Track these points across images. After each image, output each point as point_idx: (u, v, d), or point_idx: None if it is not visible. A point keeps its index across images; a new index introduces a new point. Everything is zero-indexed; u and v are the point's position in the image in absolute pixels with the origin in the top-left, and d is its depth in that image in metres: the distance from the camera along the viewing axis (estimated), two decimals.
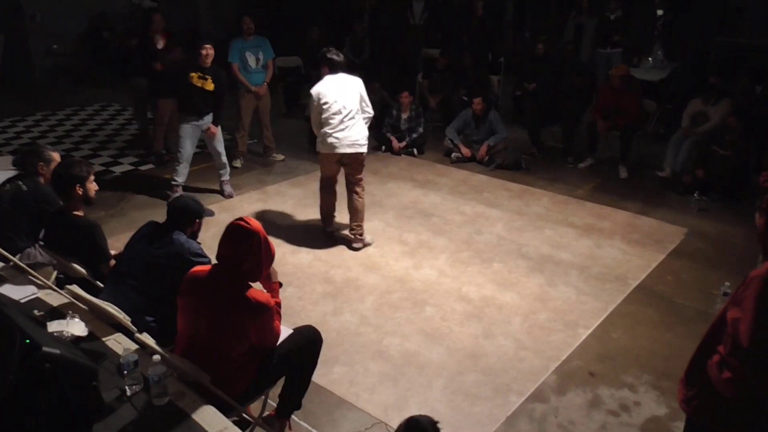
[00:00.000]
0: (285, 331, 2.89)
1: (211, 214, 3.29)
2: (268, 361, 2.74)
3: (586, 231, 5.55)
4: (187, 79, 5.66)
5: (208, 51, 5.66)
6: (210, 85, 5.71)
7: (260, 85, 6.88)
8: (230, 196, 6.16)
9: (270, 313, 2.63)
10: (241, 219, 2.64)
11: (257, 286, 2.72)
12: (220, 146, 6.02)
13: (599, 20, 8.94)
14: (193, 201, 3.30)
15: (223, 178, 6.22)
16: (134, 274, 3.09)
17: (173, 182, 5.97)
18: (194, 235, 3.26)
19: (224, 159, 6.11)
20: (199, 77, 5.67)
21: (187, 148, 5.84)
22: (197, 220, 3.26)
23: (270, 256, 2.69)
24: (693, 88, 7.13)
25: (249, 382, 2.71)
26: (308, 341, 2.94)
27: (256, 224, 2.63)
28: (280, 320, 2.79)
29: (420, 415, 2.16)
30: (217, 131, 5.92)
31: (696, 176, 6.27)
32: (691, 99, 6.79)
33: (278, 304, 2.81)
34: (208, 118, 5.83)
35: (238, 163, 6.97)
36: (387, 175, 6.88)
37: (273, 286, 2.88)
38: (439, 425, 2.14)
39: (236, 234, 2.59)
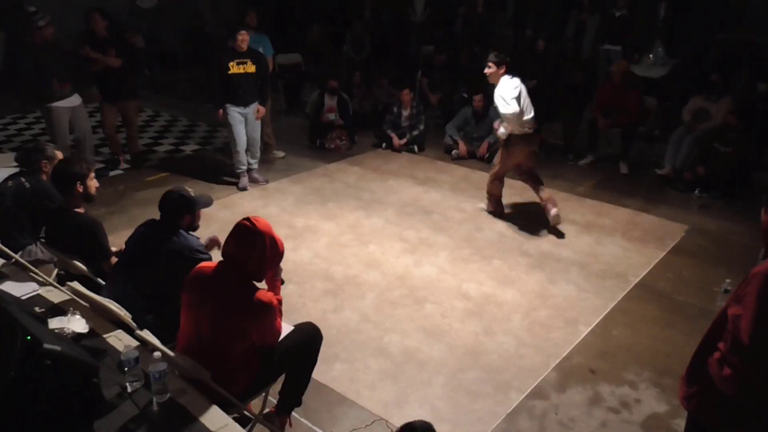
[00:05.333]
0: (286, 328, 2.89)
1: (209, 202, 3.26)
2: (269, 358, 2.74)
3: (586, 228, 5.55)
4: (226, 70, 5.94)
5: (244, 37, 5.97)
6: (251, 68, 6.05)
7: None
8: (252, 183, 6.46)
9: (273, 313, 2.62)
10: (247, 219, 2.61)
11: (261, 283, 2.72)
12: (257, 133, 6.37)
13: (603, 17, 8.91)
14: (181, 194, 3.24)
15: (252, 167, 6.51)
16: (134, 273, 3.09)
17: (237, 170, 6.36)
18: (192, 227, 3.25)
19: (258, 146, 6.47)
20: (238, 63, 5.97)
21: (240, 134, 6.19)
22: (191, 212, 3.24)
23: (276, 255, 2.66)
24: (693, 86, 7.12)
25: (249, 380, 2.71)
26: (309, 338, 2.94)
27: (263, 224, 2.60)
28: (281, 318, 2.79)
29: (415, 421, 2.15)
30: (265, 112, 6.34)
31: (697, 173, 6.27)
32: (691, 96, 6.79)
33: (280, 302, 2.81)
34: (253, 105, 6.17)
35: None
36: (387, 172, 6.89)
37: (276, 284, 2.88)
38: (433, 429, 2.13)
39: (242, 234, 2.58)
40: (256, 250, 2.56)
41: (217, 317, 2.56)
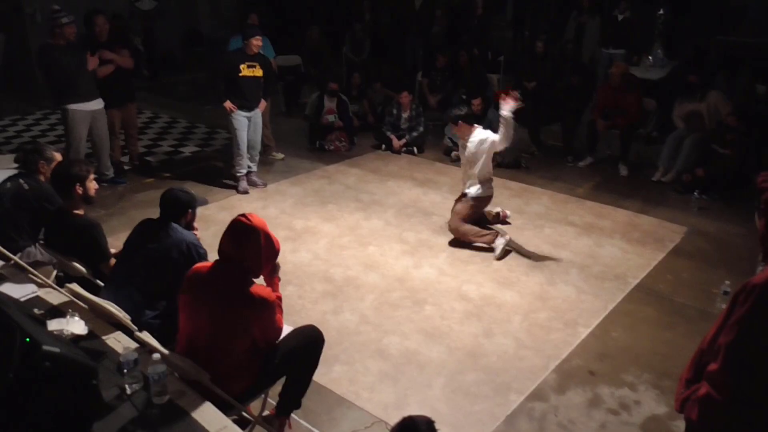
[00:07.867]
0: (285, 329, 2.89)
1: (204, 202, 3.32)
2: (270, 360, 2.74)
3: (585, 230, 5.55)
4: (237, 72, 5.96)
5: (259, 42, 6.04)
6: (259, 71, 6.12)
7: None
8: (251, 186, 6.41)
9: (272, 308, 2.63)
10: (243, 215, 2.63)
11: (259, 280, 2.72)
12: (259, 136, 6.38)
13: (605, 20, 8.90)
14: (183, 192, 3.33)
15: (252, 170, 6.49)
16: (134, 272, 3.09)
17: (237, 173, 6.32)
18: (189, 226, 3.29)
19: (258, 150, 6.46)
20: (249, 66, 6.01)
21: (244, 139, 6.21)
22: (189, 211, 3.29)
23: (272, 252, 2.68)
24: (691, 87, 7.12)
25: (251, 381, 2.70)
26: (310, 341, 2.93)
27: (258, 220, 2.63)
28: (282, 315, 2.79)
29: (416, 415, 2.14)
30: (265, 108, 6.44)
31: (696, 175, 6.27)
32: (676, 102, 6.81)
33: (279, 299, 2.81)
34: (257, 109, 6.24)
35: None
36: (387, 174, 6.89)
37: (274, 281, 2.89)
38: (435, 425, 2.13)
39: (238, 231, 2.59)
40: (252, 246, 2.57)
41: (216, 316, 2.56)
